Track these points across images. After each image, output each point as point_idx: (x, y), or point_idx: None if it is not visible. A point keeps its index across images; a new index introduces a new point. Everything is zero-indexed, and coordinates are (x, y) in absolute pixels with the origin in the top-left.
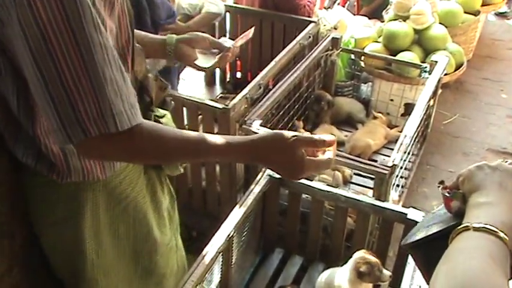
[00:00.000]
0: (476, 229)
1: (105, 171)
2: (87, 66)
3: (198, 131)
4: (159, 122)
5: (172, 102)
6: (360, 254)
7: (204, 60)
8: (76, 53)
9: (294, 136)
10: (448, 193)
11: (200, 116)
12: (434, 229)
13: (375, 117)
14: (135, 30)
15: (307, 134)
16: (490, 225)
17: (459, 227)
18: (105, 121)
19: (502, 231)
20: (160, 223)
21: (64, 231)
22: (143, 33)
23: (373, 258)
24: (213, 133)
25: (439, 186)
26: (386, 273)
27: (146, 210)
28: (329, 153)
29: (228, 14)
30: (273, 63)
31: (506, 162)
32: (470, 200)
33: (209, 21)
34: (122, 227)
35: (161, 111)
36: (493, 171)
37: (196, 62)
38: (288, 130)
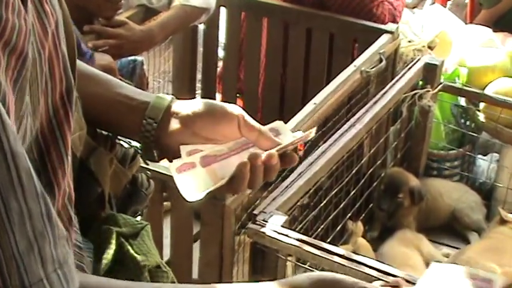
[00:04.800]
0: None
1: None
2: None
3: (160, 235)
4: (126, 248)
5: (151, 184)
6: None
7: (199, 174)
8: None
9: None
10: None
11: (166, 203)
12: None
13: (504, 221)
14: (92, 69)
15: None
16: None
17: None
18: None
19: None
20: None
21: None
22: (114, 81)
23: None
24: (189, 241)
25: None
26: None
27: None
28: None
29: (223, 10)
30: (308, 108)
31: None
32: None
33: (186, 23)
34: None
35: (128, 219)
36: None
37: (176, 173)
38: (335, 237)
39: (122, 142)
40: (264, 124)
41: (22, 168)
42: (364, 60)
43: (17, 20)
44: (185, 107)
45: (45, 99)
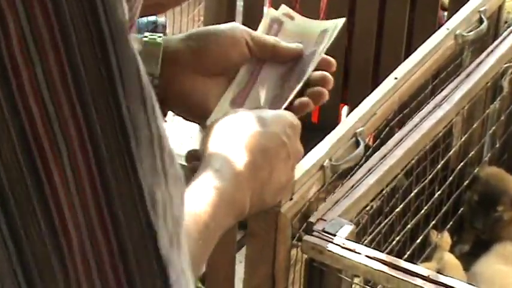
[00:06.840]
0: None
1: None
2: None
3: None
4: None
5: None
6: None
7: None
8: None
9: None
10: None
11: None
12: None
13: None
14: None
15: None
16: None
17: None
18: None
19: None
20: None
21: None
22: None
23: None
24: (230, 256)
25: None
26: None
27: None
28: None
29: None
30: (387, 84)
31: None
32: None
33: None
34: None
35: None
36: None
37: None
38: (414, 252)
39: None
40: None
41: (167, 151)
42: (461, 20)
43: None
44: (184, 44)
45: None
